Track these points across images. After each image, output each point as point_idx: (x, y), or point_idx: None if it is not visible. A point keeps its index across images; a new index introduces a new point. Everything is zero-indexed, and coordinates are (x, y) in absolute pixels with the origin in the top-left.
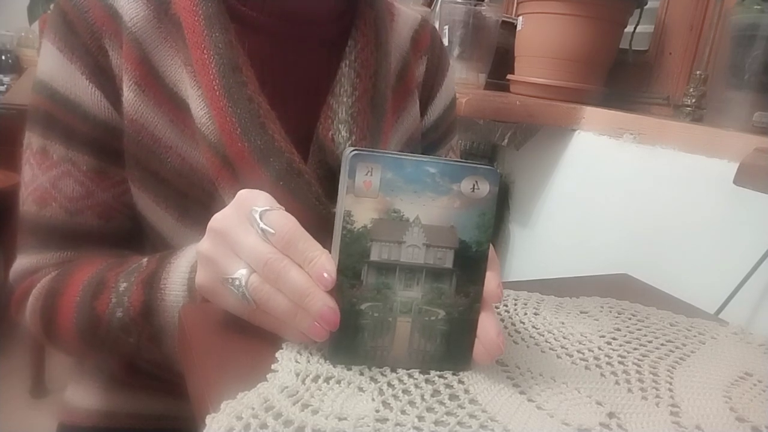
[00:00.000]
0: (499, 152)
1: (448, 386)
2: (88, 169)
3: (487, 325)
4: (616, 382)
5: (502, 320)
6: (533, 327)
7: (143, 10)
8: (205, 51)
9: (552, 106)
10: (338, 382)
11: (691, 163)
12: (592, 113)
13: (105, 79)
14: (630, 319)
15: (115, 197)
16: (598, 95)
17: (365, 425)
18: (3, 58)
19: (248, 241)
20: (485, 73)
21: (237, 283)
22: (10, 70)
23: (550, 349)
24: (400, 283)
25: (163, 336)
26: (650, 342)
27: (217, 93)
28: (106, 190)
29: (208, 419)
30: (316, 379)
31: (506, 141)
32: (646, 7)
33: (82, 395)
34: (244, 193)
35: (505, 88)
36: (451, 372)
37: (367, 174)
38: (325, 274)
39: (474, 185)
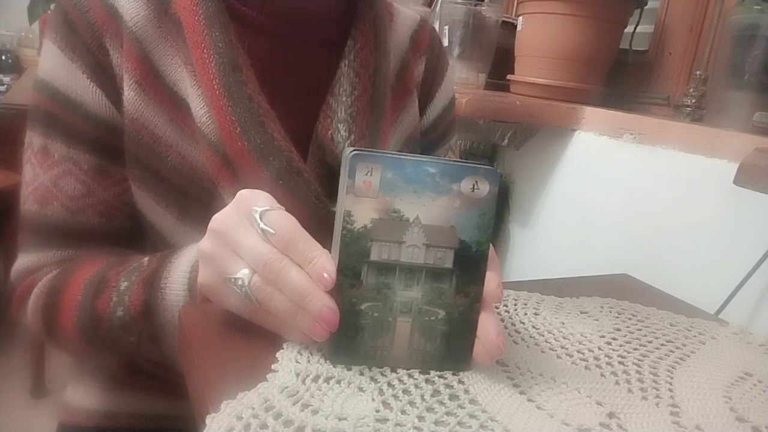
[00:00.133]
0: (499, 152)
1: (448, 386)
2: (89, 167)
3: (487, 325)
4: (616, 382)
5: (502, 320)
6: (533, 327)
7: (143, 10)
8: (205, 50)
9: (552, 106)
10: (338, 382)
11: (691, 163)
12: (592, 113)
13: (106, 78)
14: (630, 319)
15: (116, 196)
16: (598, 95)
17: (365, 425)
18: (3, 58)
19: (248, 242)
20: (485, 73)
21: (240, 282)
22: (10, 70)
23: (550, 349)
24: (400, 283)
25: (163, 335)
26: (650, 342)
27: (217, 92)
28: (107, 189)
29: (208, 419)
30: (316, 379)
31: (506, 141)
32: (646, 7)
33: (82, 395)
34: (244, 193)
35: (505, 88)
36: (451, 372)
37: (367, 174)
38: (325, 274)
39: (474, 185)
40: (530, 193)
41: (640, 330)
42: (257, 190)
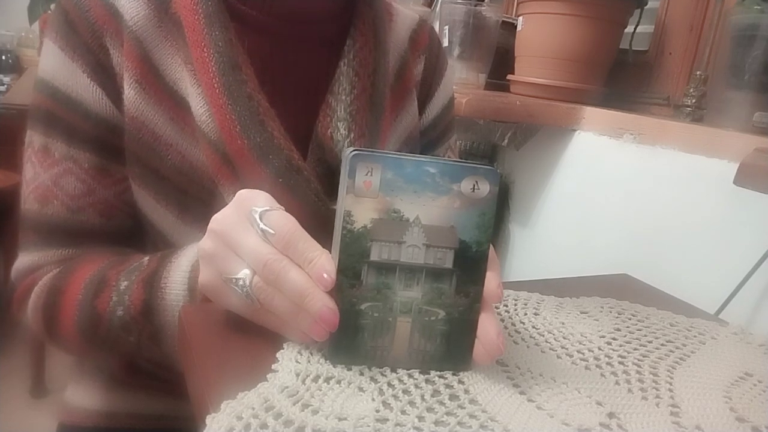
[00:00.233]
0: (499, 152)
1: (448, 386)
2: (89, 166)
3: (487, 326)
4: (616, 383)
5: (502, 320)
6: (533, 327)
7: (144, 9)
8: (205, 49)
9: (552, 106)
10: (338, 382)
11: (691, 163)
12: (592, 113)
13: (106, 77)
14: (630, 319)
15: (117, 195)
16: (598, 95)
17: (365, 425)
18: (3, 58)
19: (248, 242)
20: (485, 73)
21: (241, 282)
22: (10, 70)
23: (550, 349)
24: (400, 283)
25: (163, 335)
26: (650, 342)
27: (217, 91)
28: (107, 188)
29: (208, 419)
30: (316, 379)
31: (506, 141)
32: (646, 7)
33: (82, 395)
34: (244, 193)
35: (505, 88)
36: (451, 372)
37: (367, 174)
38: (325, 275)
39: (474, 185)
40: (530, 193)
41: (640, 330)
42: (257, 190)
